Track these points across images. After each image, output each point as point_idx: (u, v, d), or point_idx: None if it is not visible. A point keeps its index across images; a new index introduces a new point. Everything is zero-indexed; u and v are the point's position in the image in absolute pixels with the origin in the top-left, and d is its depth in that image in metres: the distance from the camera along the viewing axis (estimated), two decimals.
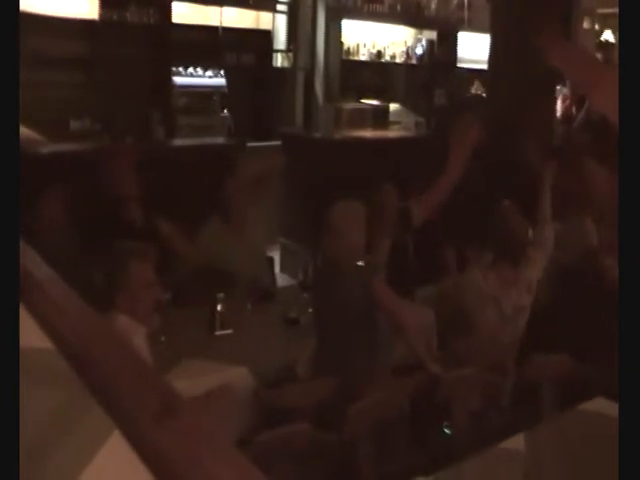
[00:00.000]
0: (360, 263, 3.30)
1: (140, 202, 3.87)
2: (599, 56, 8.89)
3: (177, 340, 3.11)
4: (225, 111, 6.71)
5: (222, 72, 6.80)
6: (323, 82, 7.36)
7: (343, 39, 7.44)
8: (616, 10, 10.04)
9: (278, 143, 6.42)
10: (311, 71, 7.45)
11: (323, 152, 6.22)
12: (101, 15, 5.76)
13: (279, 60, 7.51)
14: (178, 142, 6.09)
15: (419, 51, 8.18)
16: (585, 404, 2.68)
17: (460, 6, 8.49)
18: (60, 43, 5.58)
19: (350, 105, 7.47)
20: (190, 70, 6.65)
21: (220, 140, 6.39)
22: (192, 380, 2.75)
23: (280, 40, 7.49)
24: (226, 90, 6.74)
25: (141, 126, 5.77)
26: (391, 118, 7.67)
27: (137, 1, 5.93)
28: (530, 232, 3.59)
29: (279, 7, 7.41)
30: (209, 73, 6.78)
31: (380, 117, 7.51)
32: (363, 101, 7.71)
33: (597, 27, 10.18)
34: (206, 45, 6.65)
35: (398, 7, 7.80)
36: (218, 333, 3.30)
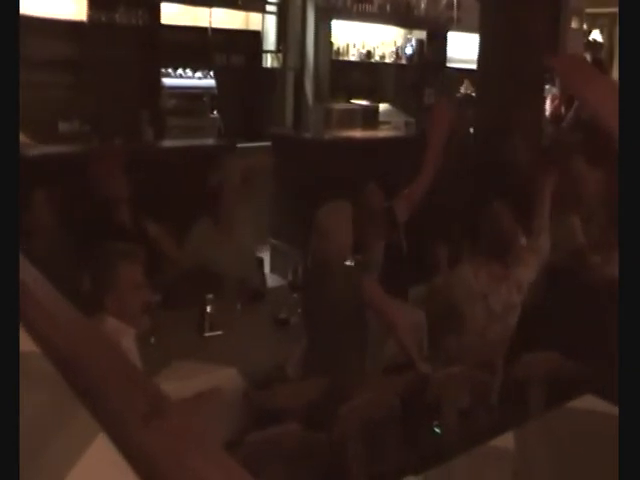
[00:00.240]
0: (349, 263, 3.31)
1: (129, 204, 3.86)
2: (587, 56, 8.94)
3: (167, 342, 3.11)
4: (215, 112, 6.70)
5: (212, 73, 6.80)
6: (313, 82, 7.36)
7: (333, 39, 7.44)
8: (604, 10, 10.10)
9: (268, 144, 6.42)
10: (301, 71, 7.45)
11: (313, 152, 6.22)
12: (89, 16, 5.73)
13: (269, 61, 7.51)
14: (168, 143, 6.08)
15: (409, 51, 8.20)
16: (574, 402, 2.69)
17: (449, 6, 8.51)
18: (48, 44, 5.56)
19: (340, 105, 7.48)
20: (179, 71, 6.64)
21: (210, 141, 6.38)
22: (182, 382, 2.75)
23: (270, 41, 7.49)
24: (216, 91, 6.73)
25: (130, 128, 5.75)
26: (381, 118, 7.70)
27: (126, 2, 5.91)
28: (522, 238, 3.58)
29: (268, 8, 7.41)
30: (198, 74, 6.77)
31: (370, 117, 7.53)
32: (353, 101, 7.72)
33: (585, 27, 10.23)
34: (195, 46, 6.64)
35: (387, 7, 7.81)
36: (208, 334, 3.30)
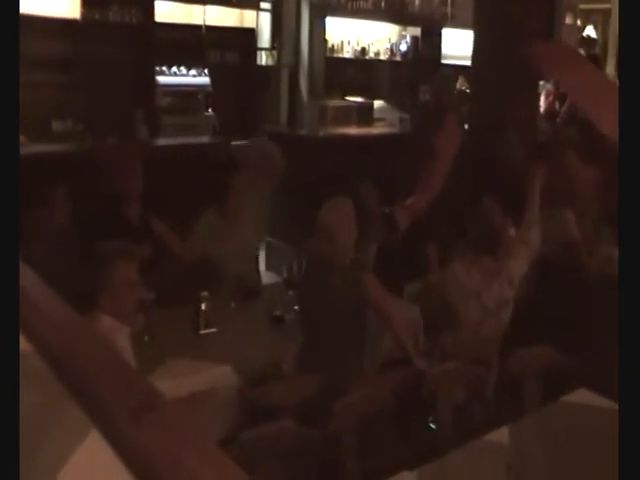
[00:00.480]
0: (348, 261, 3.31)
1: (140, 200, 3.88)
2: (581, 51, 8.94)
3: (161, 340, 3.11)
4: (209, 110, 6.69)
5: (206, 71, 6.77)
6: (307, 80, 7.36)
7: (327, 36, 7.44)
8: (598, 6, 10.12)
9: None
10: (295, 69, 7.45)
11: (308, 149, 6.22)
12: (83, 14, 5.71)
13: (263, 58, 7.50)
14: (162, 142, 6.07)
15: (403, 48, 8.20)
16: (568, 396, 2.70)
17: (444, 2, 8.51)
18: (42, 43, 5.52)
19: (335, 102, 7.47)
20: (174, 69, 6.62)
21: (205, 139, 6.37)
22: (177, 380, 2.75)
23: (264, 38, 7.48)
24: (210, 89, 6.71)
25: (125, 126, 5.74)
26: (376, 115, 7.68)
27: (119, 0, 5.89)
28: (512, 229, 3.59)
29: (263, 5, 7.39)
30: (193, 72, 6.75)
31: (365, 114, 7.52)
32: (348, 98, 7.71)
33: (579, 23, 10.25)
34: (190, 44, 6.61)
35: (382, 4, 7.81)
36: (203, 332, 3.30)
